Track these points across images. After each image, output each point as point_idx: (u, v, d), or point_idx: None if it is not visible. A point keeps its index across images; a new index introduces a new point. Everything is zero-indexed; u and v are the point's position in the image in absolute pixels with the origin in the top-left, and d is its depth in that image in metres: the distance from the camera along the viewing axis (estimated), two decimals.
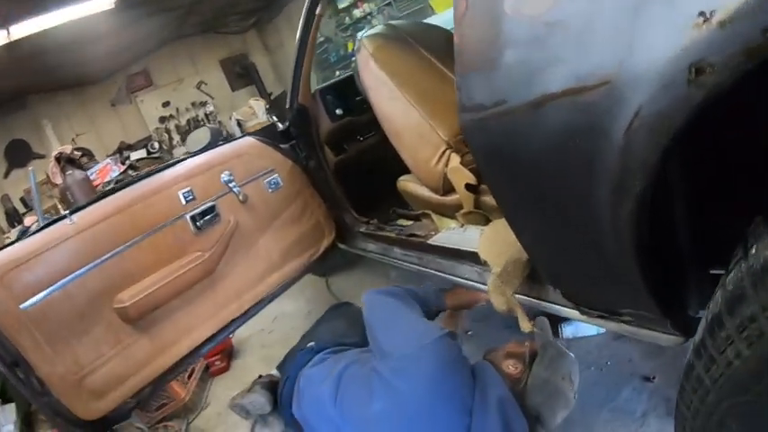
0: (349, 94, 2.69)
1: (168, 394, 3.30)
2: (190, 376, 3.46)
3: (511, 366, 1.58)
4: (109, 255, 2.10)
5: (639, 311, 1.13)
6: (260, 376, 2.38)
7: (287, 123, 2.82)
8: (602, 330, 2.26)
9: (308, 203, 2.84)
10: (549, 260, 1.29)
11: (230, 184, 2.51)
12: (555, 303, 1.45)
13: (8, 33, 5.53)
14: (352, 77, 2.53)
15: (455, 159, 1.85)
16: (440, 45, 2.19)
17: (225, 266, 2.47)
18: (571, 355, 1.62)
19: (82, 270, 2.03)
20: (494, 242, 1.61)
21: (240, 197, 2.52)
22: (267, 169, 2.68)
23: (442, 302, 2.16)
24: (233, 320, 2.46)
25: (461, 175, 1.82)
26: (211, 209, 2.42)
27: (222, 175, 2.50)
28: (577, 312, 1.36)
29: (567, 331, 2.36)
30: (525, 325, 1.46)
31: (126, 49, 8.50)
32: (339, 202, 2.85)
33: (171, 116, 10.29)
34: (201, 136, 2.57)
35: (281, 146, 2.80)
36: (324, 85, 2.72)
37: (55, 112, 9.00)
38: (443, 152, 1.88)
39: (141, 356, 2.16)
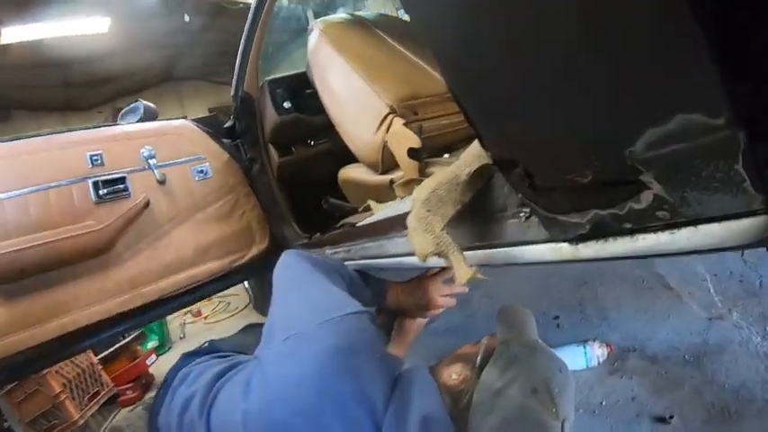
0: (301, 88, 2.56)
1: (61, 414, 2.97)
2: (92, 399, 3.12)
3: (453, 374, 1.02)
4: None
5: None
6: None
7: (232, 120, 2.68)
8: (592, 363, 2.04)
9: (240, 203, 2.60)
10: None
11: (150, 161, 2.29)
12: (507, 244, 0.95)
13: None
14: (305, 74, 2.42)
15: (398, 122, 1.67)
16: (396, 27, 2.11)
17: (125, 251, 2.19)
18: (553, 353, 1.05)
19: None
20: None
21: (158, 176, 2.29)
22: (197, 156, 2.48)
23: (380, 296, 1.55)
24: (120, 315, 2.13)
25: (403, 139, 1.61)
26: (121, 180, 2.18)
27: (142, 150, 2.29)
28: (546, 248, 0.84)
29: None
30: (463, 272, 0.93)
31: (115, 80, 8.63)
32: (280, 210, 2.61)
33: None
34: (134, 111, 2.41)
35: (223, 140, 2.63)
36: (273, 77, 2.60)
37: (35, 130, 8.95)
38: (385, 117, 1.71)
39: None
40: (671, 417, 1.66)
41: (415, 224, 0.96)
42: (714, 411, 1.63)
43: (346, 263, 1.70)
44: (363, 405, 0.92)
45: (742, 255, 2.28)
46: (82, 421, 2.90)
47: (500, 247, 0.97)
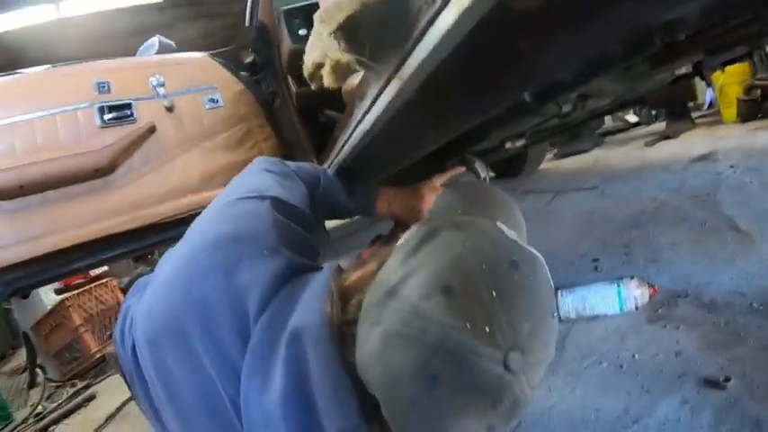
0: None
1: (80, 347, 3.12)
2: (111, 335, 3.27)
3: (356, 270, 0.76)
4: None
5: None
6: None
7: (253, 55, 2.72)
8: (628, 305, 1.73)
9: (252, 133, 2.61)
10: None
11: (158, 89, 2.37)
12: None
13: None
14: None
15: None
16: None
17: (127, 173, 2.25)
18: (513, 242, 0.66)
19: None
20: None
21: (166, 103, 2.37)
22: (209, 85, 2.53)
23: (369, 204, 1.37)
24: (118, 235, 2.20)
25: None
26: (127, 106, 2.26)
27: (151, 78, 2.37)
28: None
29: (568, 303, 1.82)
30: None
31: None
32: (301, 142, 2.53)
33: None
34: (150, 46, 2.52)
35: (242, 73, 2.69)
36: (289, 6, 2.61)
37: None
38: None
39: None
40: (726, 379, 1.28)
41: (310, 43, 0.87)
42: None
43: None
44: (228, 306, 0.73)
45: None
46: (99, 355, 3.00)
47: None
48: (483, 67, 0.71)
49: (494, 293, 0.57)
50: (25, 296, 2.70)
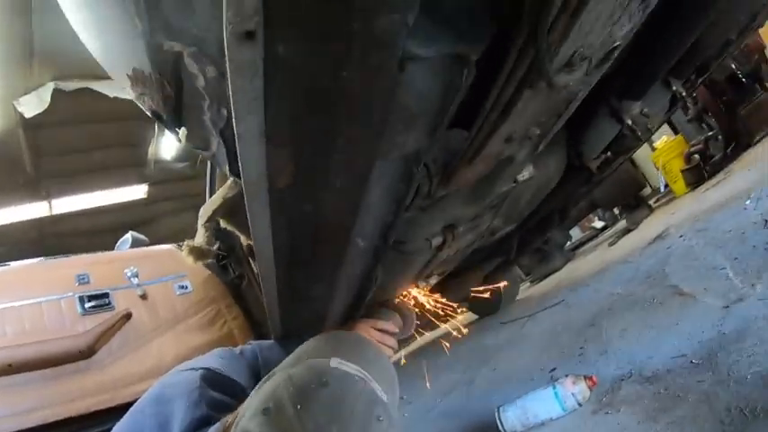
0: None
1: None
2: None
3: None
4: None
5: None
6: None
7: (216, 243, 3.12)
8: (570, 404, 1.86)
9: (221, 313, 2.94)
10: None
11: (132, 279, 2.73)
12: None
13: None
14: None
15: None
16: None
17: (107, 356, 2.52)
18: (363, 376, 0.90)
19: None
20: None
21: (139, 292, 2.70)
22: (178, 274, 2.90)
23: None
24: (99, 412, 2.42)
25: None
26: (105, 295, 2.60)
27: (126, 270, 2.74)
28: None
29: (510, 416, 1.95)
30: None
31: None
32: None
33: None
34: (125, 241, 2.95)
35: (207, 261, 3.06)
36: None
37: None
38: None
39: None
40: None
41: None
42: (730, 417, 1.36)
43: None
44: None
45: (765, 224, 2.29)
46: None
47: None
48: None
49: (298, 408, 0.78)
50: None
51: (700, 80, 2.04)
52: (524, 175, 1.31)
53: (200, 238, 1.50)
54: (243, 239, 2.94)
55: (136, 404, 1.13)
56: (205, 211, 1.33)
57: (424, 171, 0.98)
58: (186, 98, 0.87)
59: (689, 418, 1.44)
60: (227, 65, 0.59)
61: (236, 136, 0.70)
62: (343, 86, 0.63)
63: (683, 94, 1.93)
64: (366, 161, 0.75)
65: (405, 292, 1.96)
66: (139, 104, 1.03)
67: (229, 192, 1.32)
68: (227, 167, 0.90)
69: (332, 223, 0.93)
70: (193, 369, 1.20)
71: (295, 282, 1.18)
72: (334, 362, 0.90)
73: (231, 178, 1.25)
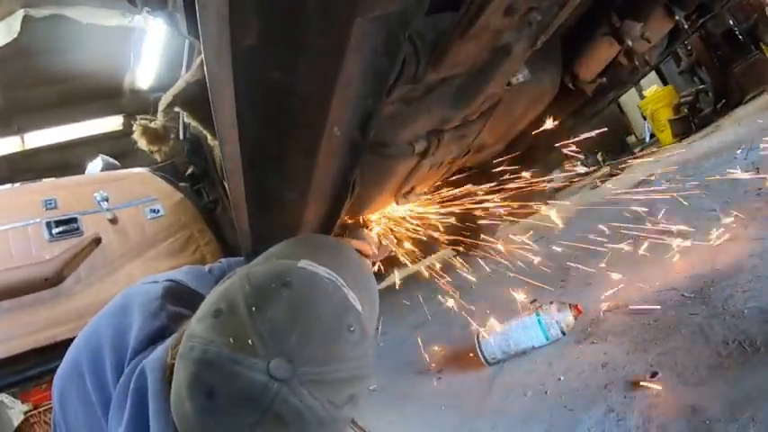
0: None
1: None
2: None
3: None
4: None
5: None
6: None
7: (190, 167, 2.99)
8: (553, 332, 1.80)
9: (194, 238, 2.83)
10: None
11: (101, 203, 2.59)
12: None
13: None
14: None
15: None
16: None
17: (75, 284, 2.42)
18: (334, 279, 0.78)
19: None
20: None
21: (108, 216, 2.58)
22: (149, 197, 2.77)
23: None
24: (67, 342, 2.34)
25: None
26: (72, 220, 2.48)
27: (95, 194, 2.60)
28: None
29: (491, 344, 1.90)
30: None
31: None
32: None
33: None
34: (95, 165, 2.80)
35: (180, 184, 2.93)
36: None
37: None
38: None
39: None
40: (653, 375, 1.35)
41: None
42: (728, 350, 1.32)
43: None
44: (112, 350, 0.91)
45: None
46: None
47: None
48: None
49: (253, 309, 0.67)
50: None
51: (701, 20, 1.97)
52: (519, 77, 1.21)
53: (157, 123, 1.38)
54: (217, 159, 2.80)
55: (97, 314, 1.03)
56: (165, 98, 1.19)
57: (411, 48, 0.86)
58: None
59: (683, 350, 1.41)
60: None
61: None
62: None
63: (685, 27, 1.86)
64: (345, 13, 0.63)
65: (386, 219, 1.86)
66: None
67: (193, 77, 1.18)
68: (186, 27, 0.77)
69: (305, 100, 0.82)
70: (156, 281, 1.09)
71: (264, 181, 1.08)
72: (303, 262, 0.78)
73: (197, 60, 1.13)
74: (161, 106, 1.20)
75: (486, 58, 1.02)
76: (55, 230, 2.41)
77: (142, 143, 1.43)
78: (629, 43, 1.69)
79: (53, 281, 2.34)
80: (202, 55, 0.76)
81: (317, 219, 1.26)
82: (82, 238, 2.47)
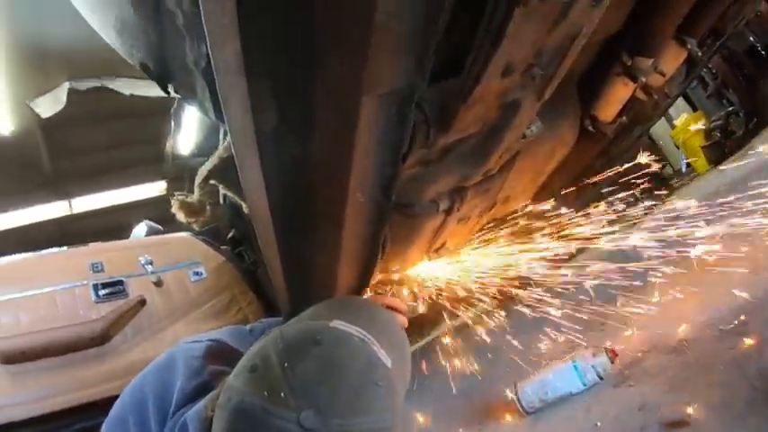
0: None
1: None
2: None
3: None
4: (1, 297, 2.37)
5: None
6: None
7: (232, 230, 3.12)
8: (590, 378, 1.79)
9: (236, 300, 2.93)
10: None
11: (146, 266, 2.72)
12: None
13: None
14: None
15: None
16: None
17: (122, 344, 2.53)
18: (364, 336, 0.82)
19: None
20: None
21: (153, 279, 2.70)
22: (192, 260, 2.89)
23: None
24: (113, 398, 2.43)
25: None
26: (119, 283, 2.60)
27: (140, 258, 2.74)
28: None
29: (529, 393, 1.91)
30: None
31: None
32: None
33: None
34: (140, 230, 2.97)
35: (222, 247, 3.05)
36: None
37: None
38: None
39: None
40: (685, 421, 1.35)
41: None
42: (762, 379, 1.32)
43: None
44: (156, 406, 0.99)
45: None
46: None
47: None
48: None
49: (286, 365, 0.73)
50: None
51: (717, 43, 1.95)
52: (532, 129, 1.25)
53: (193, 196, 1.49)
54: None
55: (143, 370, 1.12)
56: (201, 173, 1.31)
57: (421, 116, 0.92)
58: (169, 44, 0.83)
59: (717, 385, 1.39)
60: None
61: (214, 71, 0.66)
62: (317, 4, 0.59)
63: (699, 54, 1.84)
64: (352, 93, 0.70)
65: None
66: (131, 61, 1.01)
67: (225, 153, 1.29)
68: (213, 113, 0.86)
69: (326, 171, 0.88)
70: (199, 341, 1.19)
71: (296, 247, 1.14)
72: (335, 323, 0.84)
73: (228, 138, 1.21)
74: (197, 180, 1.31)
75: (496, 116, 1.06)
76: (102, 292, 2.54)
77: (180, 216, 1.54)
78: (643, 80, 1.71)
79: (99, 340, 2.45)
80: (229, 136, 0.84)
81: (350, 278, 1.31)
82: (128, 299, 2.58)
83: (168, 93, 0.92)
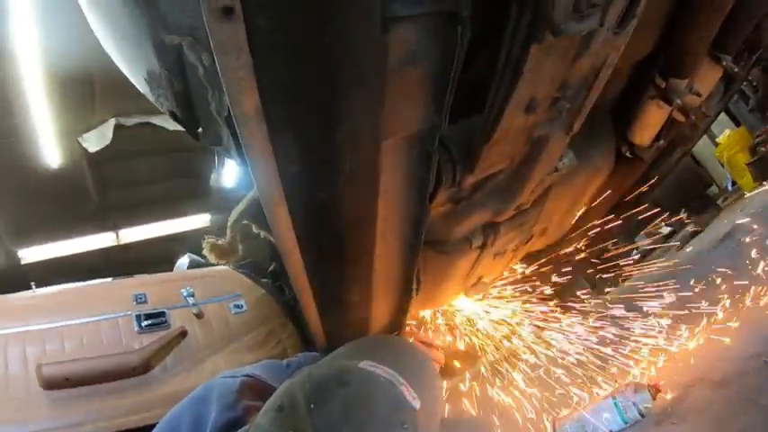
0: None
1: None
2: None
3: None
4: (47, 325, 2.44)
5: None
6: None
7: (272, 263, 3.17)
8: (631, 415, 1.71)
9: (275, 332, 2.95)
10: None
11: (188, 298, 2.78)
12: None
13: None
14: None
15: None
16: None
17: (162, 373, 2.56)
18: (392, 378, 0.84)
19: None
20: None
21: (195, 311, 2.75)
22: (233, 293, 2.94)
23: None
24: (151, 426, 2.46)
25: None
26: (161, 314, 2.66)
27: (182, 290, 2.80)
28: None
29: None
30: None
31: None
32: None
33: None
34: (183, 262, 3.06)
35: (263, 280, 3.10)
36: None
37: None
38: None
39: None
40: None
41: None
42: None
43: None
44: None
45: None
46: None
47: None
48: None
49: (312, 406, 0.75)
50: None
51: (754, 56, 1.89)
52: (564, 162, 1.22)
53: (224, 241, 1.53)
54: None
55: (180, 401, 1.19)
56: (233, 216, 1.34)
57: (446, 155, 0.91)
58: (194, 93, 0.85)
59: (760, 423, 1.31)
60: (212, 45, 0.57)
61: (234, 121, 0.67)
62: (330, 54, 0.59)
63: (736, 70, 1.78)
64: (372, 138, 0.70)
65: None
66: (161, 109, 1.04)
67: (255, 195, 1.31)
68: (239, 159, 0.88)
69: (353, 214, 0.88)
70: (235, 376, 1.22)
71: (328, 286, 1.14)
72: (364, 363, 0.86)
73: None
74: (229, 222, 1.34)
75: (524, 151, 1.05)
76: (144, 323, 2.60)
77: (211, 258, 1.59)
78: (679, 102, 1.66)
79: (141, 369, 2.49)
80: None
81: (384, 316, 1.31)
82: (169, 330, 2.62)
83: (198, 139, 0.95)
